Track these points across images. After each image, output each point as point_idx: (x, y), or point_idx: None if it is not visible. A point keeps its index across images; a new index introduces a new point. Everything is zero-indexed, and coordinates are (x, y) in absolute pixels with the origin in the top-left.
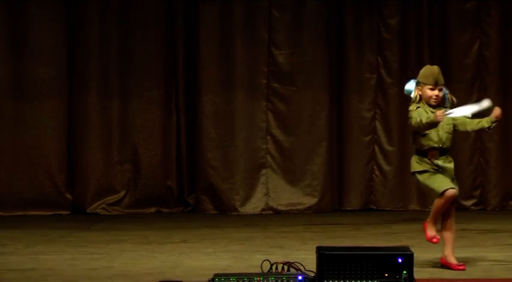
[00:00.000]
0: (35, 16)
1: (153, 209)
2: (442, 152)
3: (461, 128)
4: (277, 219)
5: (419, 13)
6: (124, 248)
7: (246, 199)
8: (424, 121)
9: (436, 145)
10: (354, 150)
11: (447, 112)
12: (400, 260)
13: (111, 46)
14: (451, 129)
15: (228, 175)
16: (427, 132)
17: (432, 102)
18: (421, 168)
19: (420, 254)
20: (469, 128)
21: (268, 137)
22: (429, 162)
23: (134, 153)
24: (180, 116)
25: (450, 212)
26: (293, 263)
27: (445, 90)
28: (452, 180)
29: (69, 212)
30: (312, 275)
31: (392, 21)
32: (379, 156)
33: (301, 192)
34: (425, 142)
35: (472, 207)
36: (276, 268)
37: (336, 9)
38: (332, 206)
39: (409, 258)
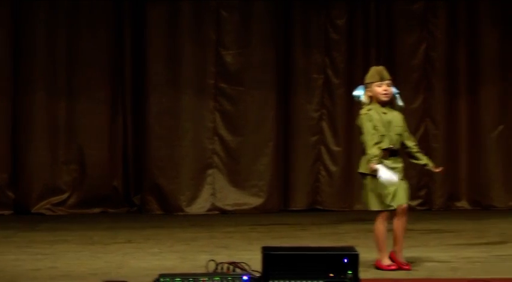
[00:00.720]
0: None
1: (98, 209)
2: (392, 153)
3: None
4: (223, 219)
5: (366, 14)
6: (68, 248)
7: (192, 199)
8: (368, 157)
9: (386, 146)
10: (300, 151)
11: (380, 171)
12: (345, 260)
13: (57, 45)
14: (403, 130)
15: (174, 175)
16: (381, 132)
17: (383, 98)
18: (364, 170)
19: (365, 254)
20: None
21: (215, 138)
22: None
23: (80, 153)
24: (127, 116)
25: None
26: (239, 263)
27: (395, 90)
28: (392, 193)
29: (12, 212)
30: (258, 275)
31: (340, 21)
32: (326, 156)
33: (248, 193)
34: (382, 143)
35: (418, 208)
36: (222, 268)
37: (283, 10)
38: (278, 206)
39: (354, 258)
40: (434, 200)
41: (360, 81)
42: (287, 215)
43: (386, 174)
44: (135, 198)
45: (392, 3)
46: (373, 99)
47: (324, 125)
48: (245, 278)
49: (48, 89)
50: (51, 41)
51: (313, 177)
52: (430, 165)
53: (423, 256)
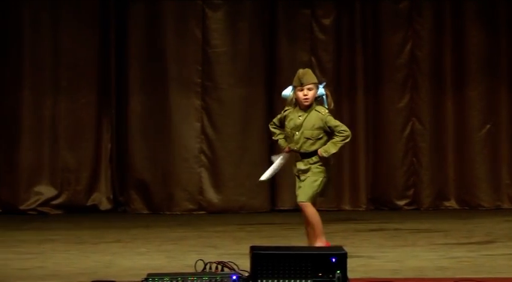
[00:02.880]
0: None
1: (86, 209)
2: (302, 155)
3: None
4: (210, 219)
5: (352, 13)
6: (56, 247)
7: (179, 199)
8: (273, 137)
9: (294, 148)
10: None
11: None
12: (333, 260)
13: (43, 43)
14: (316, 135)
15: (160, 174)
16: (286, 133)
17: (303, 103)
18: (293, 171)
19: (354, 254)
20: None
21: (202, 136)
22: (295, 163)
23: (67, 152)
24: (112, 115)
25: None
26: (227, 262)
27: (322, 92)
28: (299, 188)
29: None
30: (246, 274)
31: (326, 21)
32: None
33: (235, 192)
34: (288, 142)
35: (405, 207)
36: (210, 268)
37: (269, 8)
38: (266, 205)
39: (342, 258)
40: (422, 200)
41: (346, 81)
42: (275, 215)
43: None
44: (121, 197)
45: (378, 3)
46: (297, 101)
47: None
48: (234, 277)
49: (33, 88)
50: (36, 38)
51: None
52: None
53: (412, 256)
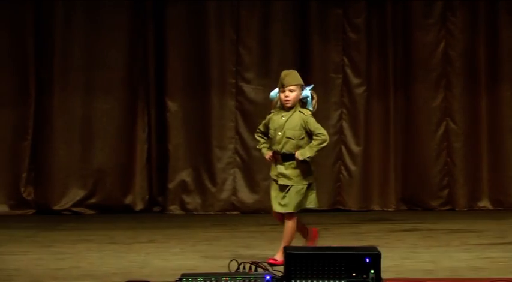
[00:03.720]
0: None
1: (120, 209)
2: (285, 157)
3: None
4: (244, 219)
5: (383, 12)
6: (91, 248)
7: (214, 199)
8: (258, 146)
9: (276, 149)
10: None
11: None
12: (367, 260)
13: (76, 43)
14: (298, 135)
15: (197, 175)
16: (270, 135)
17: (285, 104)
18: (270, 172)
19: (387, 254)
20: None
21: (237, 137)
22: (275, 166)
23: (101, 153)
24: (150, 116)
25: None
26: (260, 262)
27: (307, 93)
28: (280, 193)
29: (33, 211)
30: (280, 274)
31: (357, 20)
32: (346, 156)
33: (269, 193)
34: (271, 144)
35: (440, 208)
36: (244, 268)
37: (301, 9)
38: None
39: (376, 258)
40: (457, 200)
41: (378, 80)
42: (308, 215)
43: None
44: (157, 198)
45: (410, 2)
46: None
47: (344, 124)
48: (267, 277)
49: (68, 89)
50: (70, 40)
51: (334, 177)
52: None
53: (446, 256)
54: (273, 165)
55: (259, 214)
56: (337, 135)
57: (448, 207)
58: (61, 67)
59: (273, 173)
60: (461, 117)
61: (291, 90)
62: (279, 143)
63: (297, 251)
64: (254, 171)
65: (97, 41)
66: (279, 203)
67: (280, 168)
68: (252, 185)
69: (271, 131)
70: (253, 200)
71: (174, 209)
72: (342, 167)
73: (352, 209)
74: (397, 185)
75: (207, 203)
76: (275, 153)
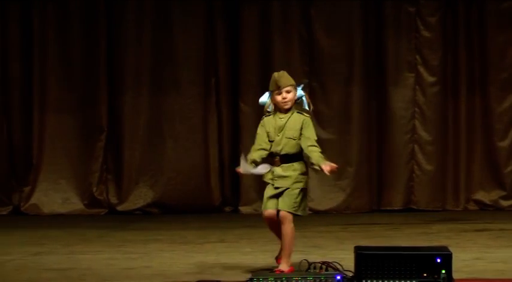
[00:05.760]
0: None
1: (192, 209)
2: (284, 159)
3: (301, 144)
4: (314, 219)
5: (456, 11)
6: (162, 247)
7: None
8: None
9: (274, 150)
10: (393, 149)
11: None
12: (438, 260)
13: (147, 45)
14: (298, 135)
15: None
16: (269, 138)
17: (283, 106)
18: (263, 176)
19: (459, 254)
20: (305, 152)
21: None
22: (271, 169)
23: (174, 152)
24: (222, 117)
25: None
26: (331, 262)
27: (301, 93)
28: (279, 195)
29: (105, 211)
30: (350, 274)
31: (431, 19)
32: (419, 155)
33: (339, 192)
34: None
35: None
36: (314, 268)
37: (375, 7)
38: (370, 206)
39: (447, 258)
40: None
41: (451, 80)
42: (378, 215)
43: (245, 168)
44: (230, 198)
45: (483, 1)
46: (276, 106)
47: (417, 123)
48: (338, 277)
49: (140, 90)
50: (141, 41)
51: (407, 176)
52: (317, 164)
53: None
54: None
55: (330, 214)
56: (410, 134)
57: None
58: (133, 67)
59: (268, 176)
60: None
61: (287, 91)
62: (279, 144)
63: (367, 251)
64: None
65: (168, 42)
66: (275, 203)
67: (278, 170)
68: (322, 185)
69: (271, 134)
70: (325, 200)
71: (246, 209)
72: (415, 167)
73: (425, 208)
74: (469, 184)
75: None
76: (272, 155)
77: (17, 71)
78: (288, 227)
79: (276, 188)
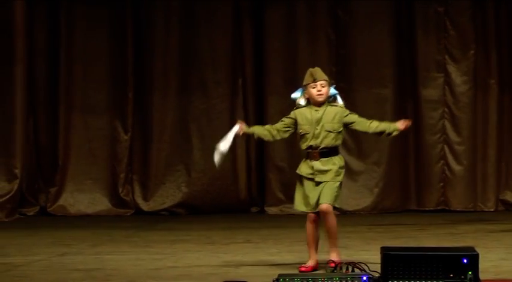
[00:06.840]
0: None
1: (218, 210)
2: (323, 154)
3: (359, 128)
4: (341, 219)
5: (485, 11)
6: (188, 248)
7: None
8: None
9: (313, 144)
10: (422, 150)
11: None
12: (465, 261)
13: (174, 46)
14: (336, 128)
15: (294, 176)
16: (302, 131)
17: (317, 98)
18: (299, 171)
19: (485, 255)
20: (371, 131)
21: None
22: (309, 164)
23: (201, 153)
24: (249, 116)
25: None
26: (357, 263)
27: (335, 91)
28: (317, 191)
29: (132, 212)
30: (377, 275)
31: (461, 19)
32: (449, 156)
33: (366, 193)
34: (303, 142)
35: None
36: (341, 268)
37: (403, 8)
38: (397, 206)
39: (474, 259)
40: None
41: (481, 78)
42: (405, 216)
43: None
44: (257, 199)
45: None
46: (310, 101)
47: (446, 123)
48: (364, 278)
49: (166, 90)
50: (168, 42)
51: (438, 177)
52: (393, 129)
53: None
54: (304, 163)
55: (356, 215)
56: (439, 134)
57: None
58: (159, 68)
59: (306, 171)
60: None
61: (322, 85)
62: (317, 138)
63: (394, 252)
64: (352, 171)
65: (195, 42)
66: (317, 200)
67: (317, 165)
68: (349, 186)
69: (305, 127)
70: (352, 201)
71: (272, 209)
72: (445, 167)
73: (456, 209)
74: (497, 185)
75: None
76: (310, 148)
77: (44, 72)
78: (332, 218)
79: (317, 183)
